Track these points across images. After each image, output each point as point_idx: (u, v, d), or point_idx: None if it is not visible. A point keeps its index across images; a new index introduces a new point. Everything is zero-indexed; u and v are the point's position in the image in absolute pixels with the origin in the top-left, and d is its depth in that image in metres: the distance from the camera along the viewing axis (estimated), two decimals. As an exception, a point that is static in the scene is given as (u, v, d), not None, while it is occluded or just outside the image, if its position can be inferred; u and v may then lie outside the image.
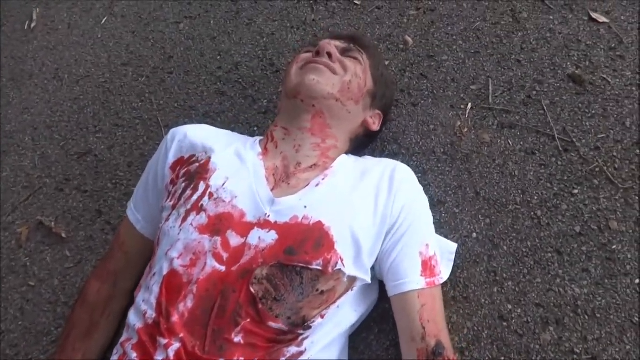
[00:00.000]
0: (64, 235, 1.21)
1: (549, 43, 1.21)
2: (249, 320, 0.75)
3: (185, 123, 1.28)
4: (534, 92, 1.15)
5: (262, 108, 1.29)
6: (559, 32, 1.22)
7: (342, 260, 0.79)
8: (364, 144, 1.07)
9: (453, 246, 0.95)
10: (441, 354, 0.79)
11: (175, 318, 0.75)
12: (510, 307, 0.94)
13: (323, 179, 0.87)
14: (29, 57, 1.61)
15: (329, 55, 0.95)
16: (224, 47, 1.43)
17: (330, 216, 0.81)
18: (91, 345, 0.98)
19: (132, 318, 0.81)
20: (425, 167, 1.11)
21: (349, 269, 0.80)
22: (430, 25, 1.30)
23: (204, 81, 1.38)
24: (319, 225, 0.80)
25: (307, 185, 0.87)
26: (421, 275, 0.84)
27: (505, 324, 0.92)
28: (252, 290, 0.76)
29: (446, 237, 0.99)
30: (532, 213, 1.01)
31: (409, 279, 0.83)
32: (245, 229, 0.81)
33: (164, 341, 0.74)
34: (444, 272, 0.88)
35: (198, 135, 0.97)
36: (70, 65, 1.54)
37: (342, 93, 0.93)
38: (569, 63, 1.17)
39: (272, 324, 0.76)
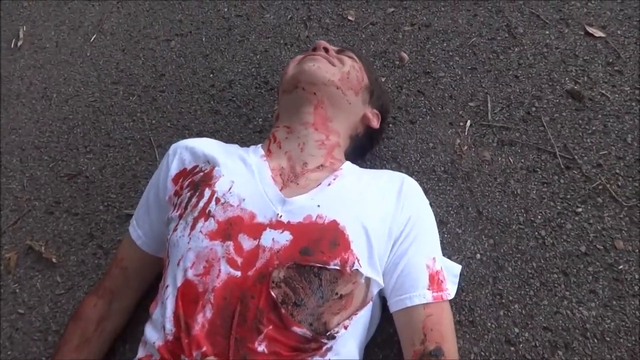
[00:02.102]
0: (54, 260, 1.17)
1: (546, 58, 1.20)
2: (271, 327, 0.72)
3: (180, 142, 1.28)
4: (533, 109, 1.14)
5: (257, 127, 1.26)
6: (556, 47, 1.21)
7: (358, 260, 0.77)
8: (363, 147, 1.06)
9: (457, 268, 0.92)
10: (437, 358, 0.75)
11: (195, 331, 0.72)
12: (517, 330, 0.92)
13: (334, 179, 0.86)
14: (16, 76, 1.57)
15: (326, 50, 0.98)
16: (216, 64, 1.41)
17: (345, 215, 0.79)
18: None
19: (150, 334, 0.78)
20: (426, 186, 1.09)
21: (365, 269, 0.78)
22: (426, 41, 1.29)
23: (197, 100, 1.35)
24: (334, 224, 0.78)
25: (319, 184, 0.85)
26: (428, 289, 0.81)
27: (512, 348, 0.90)
28: (272, 294, 0.73)
29: (449, 258, 0.97)
30: (536, 233, 1.00)
31: (415, 293, 0.80)
32: (257, 230, 0.78)
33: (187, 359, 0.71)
34: (451, 289, 0.85)
35: (200, 146, 0.94)
36: (59, 84, 1.50)
37: (342, 82, 0.94)
38: (567, 78, 1.16)
39: (296, 329, 0.72)
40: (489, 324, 0.93)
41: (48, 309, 1.12)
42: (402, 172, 1.10)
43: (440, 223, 1.04)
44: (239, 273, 0.75)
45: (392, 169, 1.12)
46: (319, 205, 0.80)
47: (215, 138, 1.25)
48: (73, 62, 1.54)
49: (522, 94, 1.16)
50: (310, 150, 0.91)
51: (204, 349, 0.70)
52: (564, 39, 1.22)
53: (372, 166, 1.13)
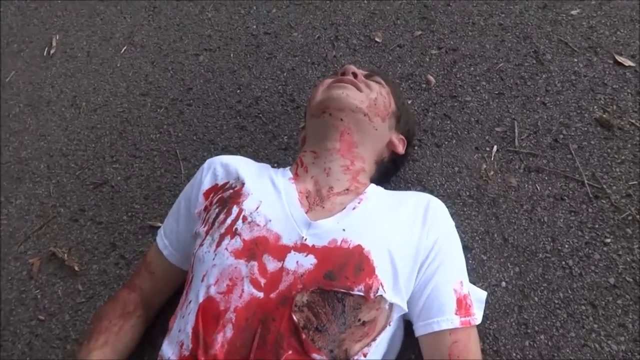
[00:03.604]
0: (76, 268, 1.18)
1: (574, 86, 1.19)
2: (291, 352, 0.71)
3: (204, 157, 1.29)
4: (561, 136, 1.13)
5: (282, 144, 1.27)
6: (584, 75, 1.20)
7: (382, 286, 0.76)
8: (388, 171, 1.06)
9: (482, 294, 0.91)
10: None
11: (214, 350, 0.71)
12: (542, 361, 0.90)
13: (359, 203, 0.86)
14: (47, 83, 1.60)
15: (354, 75, 0.98)
16: (243, 80, 1.43)
17: (370, 240, 0.79)
18: (116, 341, 0.92)
19: (166, 350, 0.78)
20: (451, 210, 1.07)
21: (390, 295, 0.77)
22: (453, 65, 1.30)
23: (223, 115, 1.37)
24: (359, 249, 0.78)
25: (344, 208, 0.85)
26: (456, 314, 0.80)
27: (537, 380, 0.88)
28: (294, 318, 0.72)
29: (474, 284, 0.96)
30: (564, 262, 0.98)
31: (443, 317, 0.80)
32: (281, 252, 0.78)
33: None
34: (478, 314, 0.84)
35: (233, 163, 0.96)
36: (88, 93, 1.53)
37: (370, 109, 0.94)
38: (595, 107, 1.15)
39: (315, 355, 0.71)
40: (514, 354, 0.91)
41: (68, 317, 1.13)
42: (427, 194, 1.10)
43: (465, 248, 1.02)
44: (261, 294, 0.75)
45: (417, 191, 1.12)
46: (344, 230, 0.80)
47: (241, 153, 1.27)
48: (103, 72, 1.57)
49: (550, 120, 1.16)
50: (336, 175, 0.91)
51: None
52: (593, 67, 1.21)
53: (397, 188, 1.13)
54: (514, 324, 0.94)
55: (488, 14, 1.35)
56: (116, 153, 1.37)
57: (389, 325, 0.80)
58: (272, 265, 0.77)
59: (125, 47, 1.62)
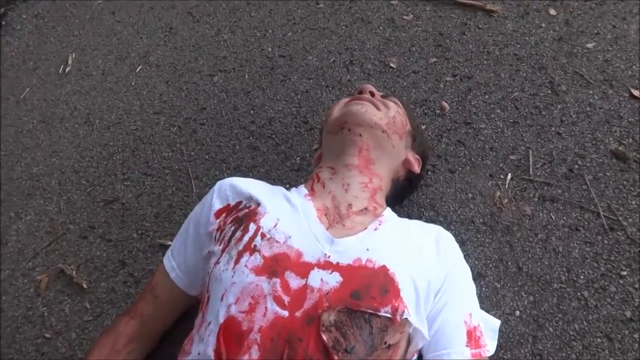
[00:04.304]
0: (84, 285, 1.17)
1: (589, 117, 1.20)
2: None
3: (216, 176, 1.30)
4: (576, 166, 1.13)
5: (295, 165, 1.27)
6: (600, 107, 1.21)
7: (407, 309, 0.75)
8: (404, 191, 1.06)
9: (496, 322, 0.89)
10: None
11: None
12: (557, 395, 0.88)
13: (380, 225, 0.85)
14: (61, 100, 1.62)
15: (372, 94, 0.99)
16: (257, 101, 1.44)
17: (394, 261, 0.77)
18: None
19: None
20: (464, 237, 1.07)
21: (414, 319, 0.76)
22: (467, 92, 1.31)
23: (236, 134, 1.37)
24: (384, 269, 0.76)
25: (365, 228, 0.84)
26: (466, 346, 0.78)
27: (553, 414, 0.86)
28: (324, 338, 0.69)
29: (487, 312, 0.94)
30: (579, 293, 0.97)
31: (453, 350, 0.78)
32: (304, 270, 0.76)
33: None
34: (490, 345, 0.83)
35: (245, 186, 0.94)
36: (102, 111, 1.54)
37: (388, 125, 0.95)
38: (611, 139, 1.16)
39: None
40: (528, 386, 0.90)
41: (75, 335, 1.11)
42: (439, 220, 1.10)
43: (479, 276, 1.02)
44: (286, 313, 0.72)
45: (429, 216, 1.12)
46: (367, 249, 0.79)
47: (253, 173, 1.28)
48: (117, 90, 1.59)
49: (565, 150, 1.16)
50: (354, 191, 0.90)
51: None
52: (608, 99, 1.22)
53: (410, 213, 1.12)
54: (528, 354, 0.92)
55: (503, 44, 1.37)
56: (128, 170, 1.37)
57: (414, 356, 0.78)
58: (295, 282, 0.74)
59: (140, 67, 1.64)
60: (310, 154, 1.28)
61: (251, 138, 1.36)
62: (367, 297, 0.73)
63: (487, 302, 0.99)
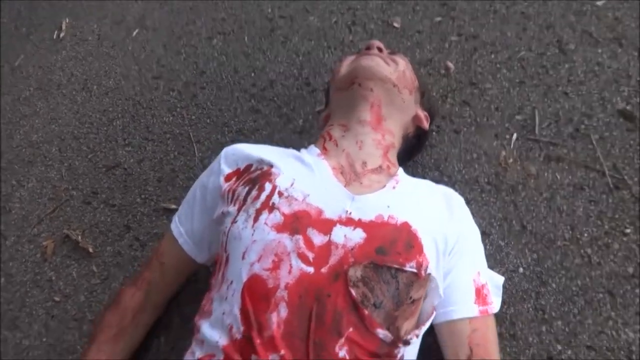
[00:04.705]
0: (90, 250, 1.18)
1: (597, 76, 1.18)
2: (351, 329, 0.69)
3: (218, 140, 1.29)
4: (582, 126, 1.12)
5: (297, 127, 1.26)
6: (608, 66, 1.19)
7: (429, 264, 0.76)
8: (412, 148, 1.05)
9: (500, 279, 0.91)
10: None
11: (270, 331, 0.68)
12: (559, 347, 0.90)
13: (397, 183, 0.85)
14: (57, 67, 1.59)
15: (379, 50, 0.97)
16: (258, 64, 1.41)
17: (415, 218, 0.78)
18: (116, 350, 0.93)
19: (211, 333, 0.73)
20: (469, 196, 1.08)
21: (436, 274, 0.77)
22: (473, 52, 1.28)
23: (237, 98, 1.36)
24: (407, 226, 0.76)
25: (383, 186, 0.84)
26: (474, 303, 0.81)
27: (556, 366, 0.89)
28: (352, 293, 0.70)
29: (492, 269, 0.95)
30: (582, 251, 0.98)
31: (462, 306, 0.80)
32: (326, 226, 0.75)
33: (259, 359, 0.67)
34: (496, 302, 0.84)
35: (252, 149, 0.92)
36: (100, 77, 1.52)
37: (399, 80, 0.93)
38: (619, 98, 1.14)
39: (379, 331, 0.70)
40: (531, 339, 0.92)
41: (84, 298, 1.13)
42: (444, 181, 1.11)
43: (483, 234, 1.02)
44: (311, 269, 0.71)
45: (434, 177, 1.11)
46: (388, 206, 0.78)
47: (255, 137, 1.27)
48: (114, 55, 1.56)
49: (572, 110, 1.15)
50: (368, 149, 0.89)
51: (282, 352, 0.67)
52: (617, 58, 1.20)
53: (414, 173, 1.12)
54: (531, 309, 0.94)
55: (510, 2, 1.34)
56: (128, 136, 1.36)
57: (434, 312, 0.79)
58: (318, 238, 0.74)
59: (136, 31, 1.60)
60: (313, 116, 1.27)
61: (252, 101, 1.34)
62: (392, 252, 0.73)
63: (492, 259, 1.00)
